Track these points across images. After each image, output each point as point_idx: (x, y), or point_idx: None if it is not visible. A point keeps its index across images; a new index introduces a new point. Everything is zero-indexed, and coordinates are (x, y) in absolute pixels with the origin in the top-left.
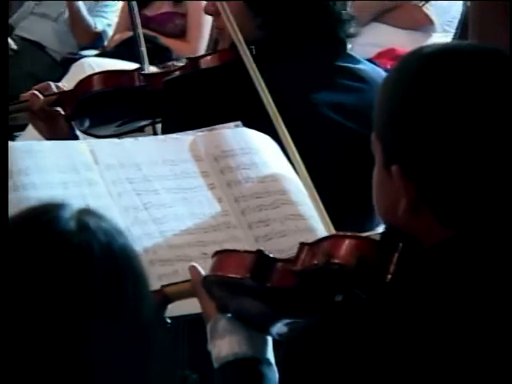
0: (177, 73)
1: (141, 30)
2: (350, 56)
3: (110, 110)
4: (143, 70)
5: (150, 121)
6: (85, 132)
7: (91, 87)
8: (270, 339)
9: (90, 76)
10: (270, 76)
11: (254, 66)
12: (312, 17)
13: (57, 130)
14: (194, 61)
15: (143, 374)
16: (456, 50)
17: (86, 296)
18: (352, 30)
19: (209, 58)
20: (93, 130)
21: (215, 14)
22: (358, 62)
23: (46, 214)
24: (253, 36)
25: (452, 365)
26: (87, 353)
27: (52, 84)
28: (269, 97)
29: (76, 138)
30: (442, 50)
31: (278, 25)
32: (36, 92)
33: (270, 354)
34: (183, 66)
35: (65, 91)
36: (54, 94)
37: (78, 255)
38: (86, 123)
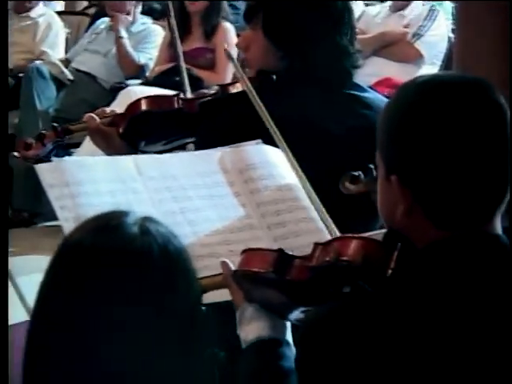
0: (210, 97)
1: (183, 62)
2: (358, 85)
3: (155, 129)
4: (181, 95)
5: (190, 139)
6: (136, 149)
7: (139, 109)
8: (288, 324)
9: (138, 100)
10: (287, 100)
11: (257, 97)
12: (323, 50)
13: (113, 146)
14: (224, 87)
15: (192, 347)
16: (443, 80)
17: (146, 287)
18: (358, 62)
19: (237, 84)
20: (143, 147)
21: (244, 49)
22: (364, 90)
23: (114, 220)
24: (274, 66)
25: (439, 342)
26: (146, 334)
27: (106, 109)
28: (271, 121)
29: (133, 152)
30: (431, 81)
31: (295, 57)
32: (92, 114)
33: (289, 336)
34: (215, 92)
35: (117, 113)
36: (108, 115)
37: (141, 256)
38: (137, 141)
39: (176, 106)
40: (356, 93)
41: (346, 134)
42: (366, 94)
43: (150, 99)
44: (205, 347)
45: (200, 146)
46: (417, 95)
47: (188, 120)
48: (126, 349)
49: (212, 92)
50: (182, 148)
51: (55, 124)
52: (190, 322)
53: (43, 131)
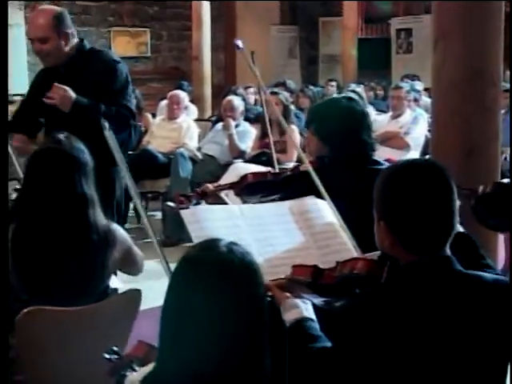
0: (289, 172)
1: (273, 147)
2: (376, 161)
3: (255, 189)
4: (271, 170)
5: (276, 196)
6: (244, 201)
7: (248, 179)
8: (312, 308)
9: (246, 174)
10: (334, 175)
11: (313, 173)
12: (353, 143)
13: (231, 199)
14: (297, 166)
15: (263, 332)
16: (411, 164)
17: (229, 284)
18: (374, 148)
19: (305, 165)
20: (248, 199)
21: (306, 144)
22: (380, 164)
23: (213, 243)
24: (326, 154)
25: (413, 325)
26: (232, 317)
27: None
28: (322, 187)
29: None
30: (403, 165)
31: (337, 149)
32: (208, 185)
33: (314, 315)
34: (292, 169)
35: (234, 182)
36: (226, 184)
37: (227, 266)
38: (245, 196)
39: (268, 177)
40: (375, 167)
41: (369, 193)
42: (381, 167)
43: (254, 174)
44: (267, 326)
45: (282, 199)
46: (395, 173)
47: (275, 185)
48: (216, 328)
49: (290, 168)
50: (271, 201)
51: (197, 189)
52: (259, 308)
53: (190, 193)
